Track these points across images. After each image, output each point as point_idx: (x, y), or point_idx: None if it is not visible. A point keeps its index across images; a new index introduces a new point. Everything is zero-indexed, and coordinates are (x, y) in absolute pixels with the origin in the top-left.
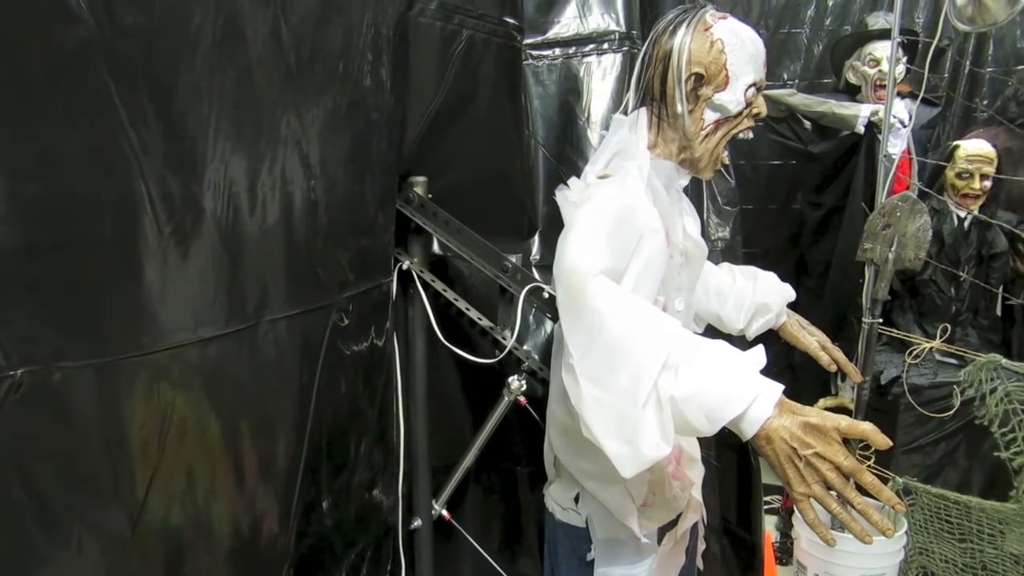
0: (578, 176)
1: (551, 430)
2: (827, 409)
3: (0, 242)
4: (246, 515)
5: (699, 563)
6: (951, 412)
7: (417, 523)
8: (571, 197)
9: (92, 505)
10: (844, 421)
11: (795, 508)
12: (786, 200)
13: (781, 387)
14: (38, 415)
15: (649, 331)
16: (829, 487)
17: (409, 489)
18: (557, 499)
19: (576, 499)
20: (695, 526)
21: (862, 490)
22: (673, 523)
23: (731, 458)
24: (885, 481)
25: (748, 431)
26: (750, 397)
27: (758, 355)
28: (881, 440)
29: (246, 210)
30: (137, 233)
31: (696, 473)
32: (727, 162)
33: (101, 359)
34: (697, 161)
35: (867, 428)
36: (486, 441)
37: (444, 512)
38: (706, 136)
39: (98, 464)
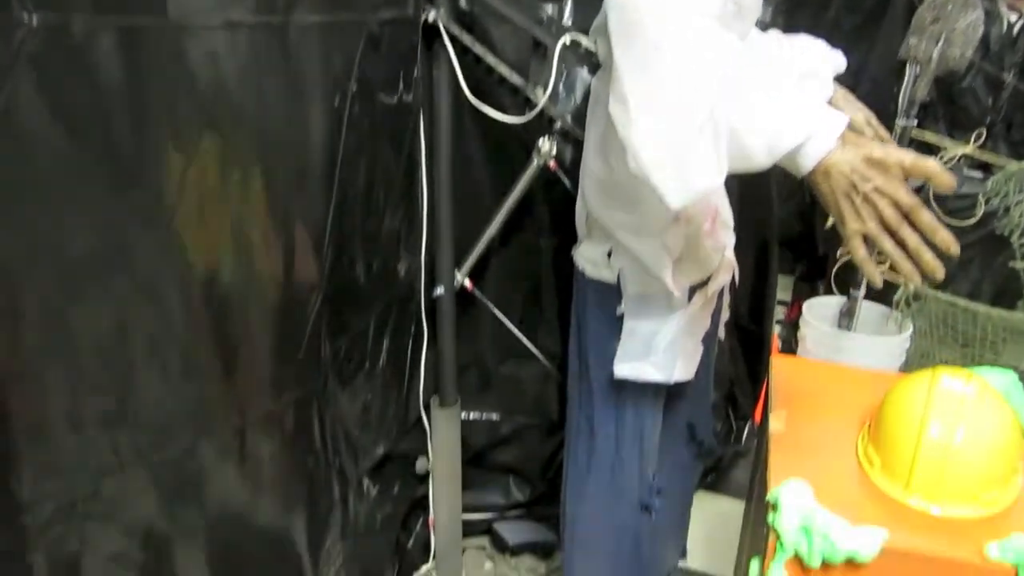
0: None
1: (586, 186)
2: None
3: None
4: (279, 228)
5: (721, 333)
6: (973, 221)
7: (439, 291)
8: None
9: (117, 179)
10: (909, 157)
11: (846, 245)
12: None
13: (846, 118)
14: (55, 68)
15: (710, 54)
16: (884, 225)
17: (432, 258)
18: (588, 256)
19: (608, 255)
20: (722, 293)
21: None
22: (704, 283)
23: (748, 256)
24: (895, 286)
25: (806, 164)
26: (812, 128)
27: (825, 85)
28: (947, 180)
29: None
30: None
31: (728, 238)
32: None
33: (123, 17)
34: None
35: (933, 166)
36: (512, 209)
37: (467, 281)
38: None
39: (124, 132)
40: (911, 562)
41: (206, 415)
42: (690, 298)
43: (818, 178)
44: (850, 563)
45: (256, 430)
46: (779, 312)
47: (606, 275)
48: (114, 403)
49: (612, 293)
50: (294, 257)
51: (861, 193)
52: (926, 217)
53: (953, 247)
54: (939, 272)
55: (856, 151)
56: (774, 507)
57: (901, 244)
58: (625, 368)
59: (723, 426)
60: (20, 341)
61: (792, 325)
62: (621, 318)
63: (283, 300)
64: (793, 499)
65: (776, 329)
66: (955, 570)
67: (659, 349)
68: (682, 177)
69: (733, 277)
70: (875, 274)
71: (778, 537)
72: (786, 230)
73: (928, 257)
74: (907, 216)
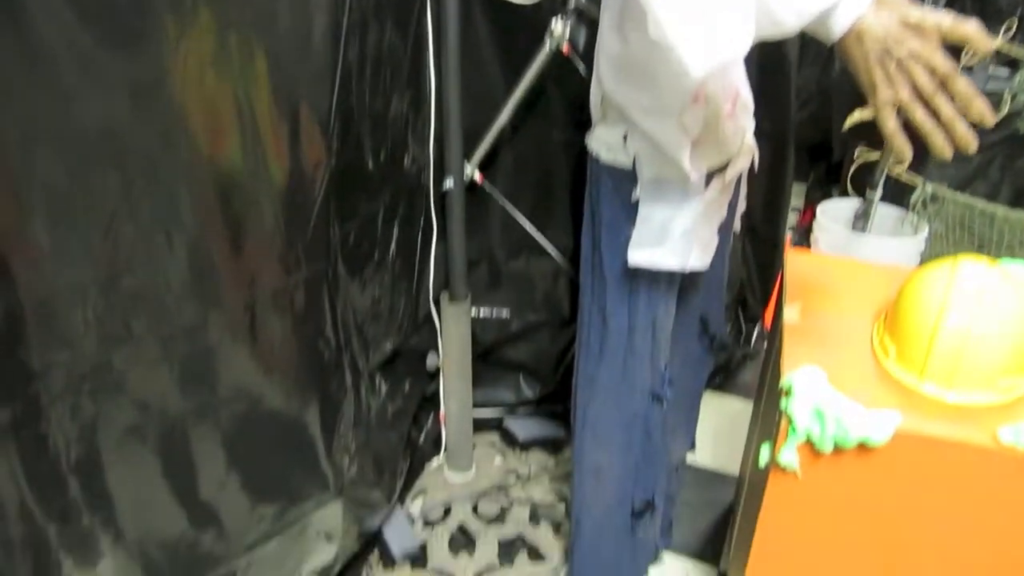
0: None
1: (601, 65)
2: (863, 122)
3: None
4: (283, 102)
5: (737, 225)
6: (998, 119)
7: (449, 184)
8: None
9: (119, 49)
10: (947, 19)
11: (876, 117)
12: None
13: None
14: None
15: None
16: (917, 94)
17: (440, 149)
18: (603, 140)
19: (624, 138)
20: (739, 183)
21: None
22: (723, 169)
23: (764, 155)
24: (912, 187)
25: (837, 29)
26: None
27: None
28: (986, 43)
29: None
30: None
31: (748, 122)
32: None
33: None
34: None
35: (972, 28)
36: (523, 98)
37: (476, 174)
38: None
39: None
40: (924, 446)
41: (214, 289)
42: (707, 184)
43: (850, 44)
44: (862, 447)
45: (266, 307)
46: (791, 219)
47: (621, 159)
48: (122, 275)
49: (627, 178)
50: (299, 132)
51: (895, 59)
52: (962, 85)
53: (988, 118)
54: (972, 145)
55: (891, 14)
56: (787, 392)
57: (934, 114)
58: (639, 255)
59: (732, 328)
60: (26, 212)
61: (804, 231)
62: (636, 204)
63: (290, 176)
64: (807, 384)
65: (788, 235)
66: (967, 454)
67: (674, 235)
68: (706, 42)
69: (752, 164)
70: (904, 147)
71: (790, 422)
72: (800, 137)
73: (962, 128)
74: (942, 84)
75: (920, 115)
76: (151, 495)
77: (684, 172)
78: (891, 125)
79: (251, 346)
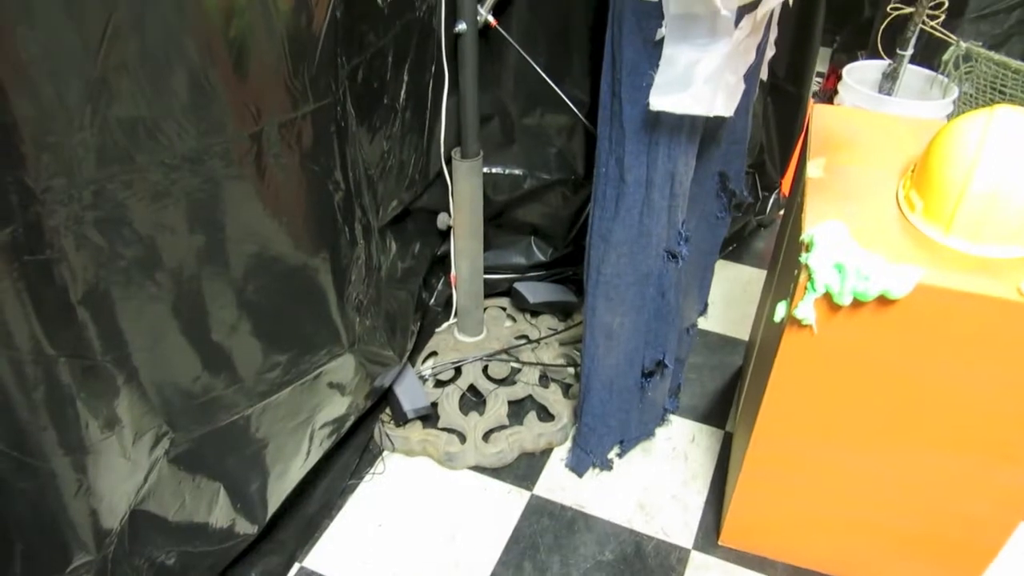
0: None
1: None
2: None
3: None
4: None
5: (764, 72)
6: None
7: (461, 27)
8: None
9: None
10: None
11: None
12: None
13: None
14: None
15: None
16: None
17: None
18: None
19: None
20: (769, 24)
21: None
22: (754, 6)
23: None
24: (944, 46)
25: None
26: None
27: None
28: None
29: None
30: None
31: None
32: None
33: None
34: None
35: None
36: None
37: (491, 18)
38: None
39: None
40: (944, 299)
41: (218, 116)
42: (737, 23)
43: None
44: (881, 301)
45: (272, 139)
46: (814, 84)
47: None
48: (118, 96)
49: (652, 15)
50: None
51: None
52: None
53: None
54: None
55: None
56: (808, 247)
57: None
58: (662, 99)
59: (749, 195)
60: (16, 22)
61: (828, 96)
62: (659, 45)
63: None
64: (828, 237)
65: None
66: (988, 306)
67: (699, 79)
68: None
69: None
70: None
71: (810, 276)
72: None
73: None
74: None
75: None
76: (163, 334)
77: (713, 7)
78: None
79: (258, 181)
